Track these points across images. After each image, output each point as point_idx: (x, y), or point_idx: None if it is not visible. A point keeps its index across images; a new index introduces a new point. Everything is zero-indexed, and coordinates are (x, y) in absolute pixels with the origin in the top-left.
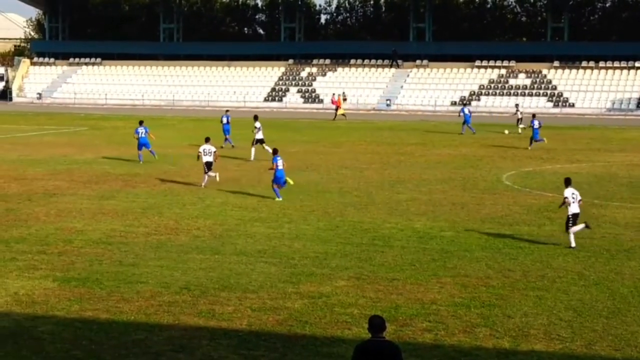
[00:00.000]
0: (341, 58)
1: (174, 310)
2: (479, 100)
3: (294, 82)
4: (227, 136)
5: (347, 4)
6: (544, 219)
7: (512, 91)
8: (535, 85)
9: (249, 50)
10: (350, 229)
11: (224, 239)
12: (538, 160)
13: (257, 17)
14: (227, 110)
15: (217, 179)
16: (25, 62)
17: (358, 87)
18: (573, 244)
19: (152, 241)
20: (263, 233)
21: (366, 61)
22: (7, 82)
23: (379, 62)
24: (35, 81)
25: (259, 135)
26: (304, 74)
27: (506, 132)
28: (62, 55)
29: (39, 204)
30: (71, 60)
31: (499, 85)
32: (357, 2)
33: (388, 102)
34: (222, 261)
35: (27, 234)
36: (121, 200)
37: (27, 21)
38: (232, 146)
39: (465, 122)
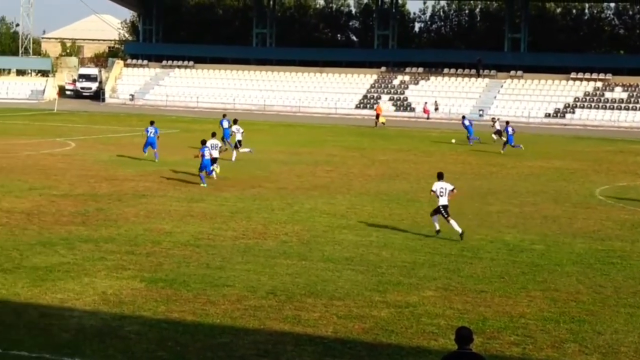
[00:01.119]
0: (434, 67)
1: (259, 315)
2: (573, 113)
3: (386, 90)
4: (227, 140)
5: (441, 13)
6: (638, 235)
7: (607, 104)
8: (632, 99)
9: (341, 57)
10: (439, 239)
11: (311, 245)
12: (633, 175)
13: (350, 23)
14: (224, 115)
15: (218, 170)
16: (119, 63)
17: (450, 96)
18: (458, 229)
19: (240, 245)
20: (351, 240)
21: (459, 70)
22: (100, 83)
23: (473, 71)
24: (128, 82)
25: (239, 137)
26: (396, 82)
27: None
28: (155, 58)
29: (129, 205)
30: (164, 62)
31: (595, 98)
32: (452, 11)
33: (481, 112)
34: (309, 267)
35: (116, 234)
36: (210, 204)
37: (121, 23)
38: (225, 149)
39: (468, 132)
